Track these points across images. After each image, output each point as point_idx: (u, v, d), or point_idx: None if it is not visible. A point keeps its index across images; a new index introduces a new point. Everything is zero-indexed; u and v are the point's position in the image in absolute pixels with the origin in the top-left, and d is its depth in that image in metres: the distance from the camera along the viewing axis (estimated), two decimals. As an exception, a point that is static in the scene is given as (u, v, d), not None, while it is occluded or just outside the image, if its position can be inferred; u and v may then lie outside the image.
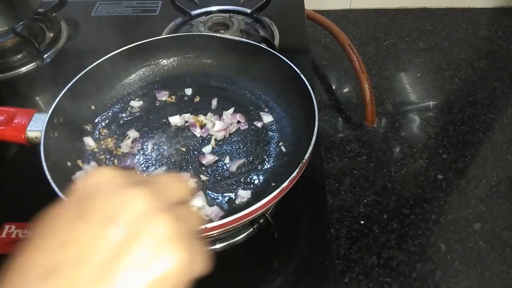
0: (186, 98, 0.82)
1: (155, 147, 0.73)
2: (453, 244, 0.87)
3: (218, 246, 0.69)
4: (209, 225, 0.53)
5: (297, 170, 0.59)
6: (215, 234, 0.57)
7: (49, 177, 0.57)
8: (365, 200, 0.91)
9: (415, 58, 1.24)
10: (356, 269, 0.82)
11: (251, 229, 0.71)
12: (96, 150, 0.72)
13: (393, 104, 1.12)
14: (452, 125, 1.07)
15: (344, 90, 1.16)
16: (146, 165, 0.70)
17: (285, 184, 0.58)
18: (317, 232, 0.72)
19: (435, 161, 0.99)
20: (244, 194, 0.66)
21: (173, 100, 0.81)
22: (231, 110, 0.78)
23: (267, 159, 0.72)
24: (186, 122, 0.77)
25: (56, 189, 0.56)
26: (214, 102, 0.80)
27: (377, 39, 1.30)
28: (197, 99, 0.81)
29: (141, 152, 0.72)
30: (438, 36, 1.32)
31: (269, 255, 0.70)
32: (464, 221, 0.90)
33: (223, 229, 0.56)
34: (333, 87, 1.17)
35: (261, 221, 0.69)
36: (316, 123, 0.65)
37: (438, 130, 1.06)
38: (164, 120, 0.78)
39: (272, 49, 0.78)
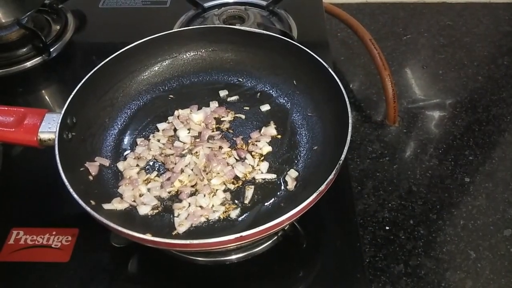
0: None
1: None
2: (482, 251, 0.83)
3: (236, 256, 0.65)
4: (244, 233, 0.49)
5: (333, 172, 0.55)
6: (247, 242, 0.53)
7: (66, 182, 0.53)
8: (389, 205, 0.87)
9: (436, 54, 1.20)
10: (382, 278, 0.78)
11: (275, 238, 0.67)
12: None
13: (415, 102, 1.08)
14: (477, 125, 1.03)
15: (363, 87, 1.12)
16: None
17: (322, 187, 0.53)
18: (345, 240, 0.68)
19: (461, 163, 0.95)
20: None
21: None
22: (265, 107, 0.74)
23: (296, 160, 0.67)
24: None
25: (75, 196, 0.52)
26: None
27: (395, 34, 1.26)
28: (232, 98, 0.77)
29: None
30: (458, 32, 1.27)
31: (292, 264, 0.66)
32: (494, 226, 0.86)
33: (258, 236, 0.52)
34: (351, 84, 1.13)
35: (286, 229, 0.64)
36: (350, 123, 0.60)
37: (463, 130, 1.01)
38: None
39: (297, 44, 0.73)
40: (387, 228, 0.84)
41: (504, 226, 0.87)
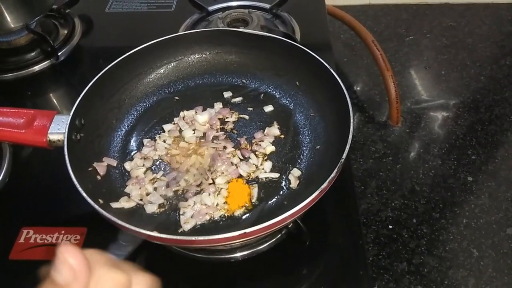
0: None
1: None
2: (485, 249, 0.83)
3: (241, 254, 0.66)
4: (248, 230, 0.50)
5: (335, 170, 0.56)
6: (251, 239, 0.54)
7: (75, 181, 0.54)
8: (392, 204, 0.88)
9: (438, 55, 1.21)
10: (386, 276, 0.79)
11: (279, 235, 0.68)
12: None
13: (418, 102, 1.08)
14: (480, 124, 1.03)
15: (366, 88, 1.13)
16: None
17: (324, 185, 0.54)
18: (348, 238, 0.69)
19: (464, 162, 0.96)
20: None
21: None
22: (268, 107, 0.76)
23: (298, 159, 0.68)
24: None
25: (84, 195, 0.53)
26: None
27: (398, 35, 1.26)
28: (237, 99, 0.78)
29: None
30: (461, 32, 1.28)
31: (296, 262, 0.67)
32: (496, 225, 0.87)
33: (261, 233, 0.53)
34: (354, 85, 1.14)
35: (290, 226, 0.65)
36: (352, 122, 0.61)
37: (465, 130, 1.02)
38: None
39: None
40: (390, 227, 0.85)
41: (507, 224, 0.87)
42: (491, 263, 0.82)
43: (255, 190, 0.65)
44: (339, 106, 0.66)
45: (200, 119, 0.74)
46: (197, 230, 0.61)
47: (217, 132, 0.72)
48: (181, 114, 0.75)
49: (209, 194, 0.64)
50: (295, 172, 0.67)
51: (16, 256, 0.65)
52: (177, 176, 0.66)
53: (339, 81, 0.66)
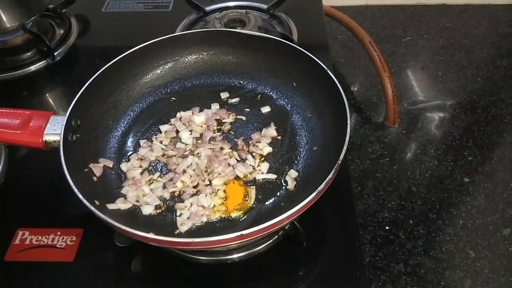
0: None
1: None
2: (482, 250, 0.84)
3: (237, 255, 0.65)
4: (245, 232, 0.50)
5: (332, 172, 0.56)
6: (248, 240, 0.54)
7: (71, 182, 0.54)
8: (389, 205, 0.88)
9: (435, 56, 1.21)
10: (382, 277, 0.79)
11: (276, 237, 0.68)
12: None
13: (414, 103, 1.08)
14: (476, 125, 1.04)
15: (363, 89, 1.13)
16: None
17: (322, 186, 0.54)
18: (345, 239, 0.69)
19: (461, 163, 0.96)
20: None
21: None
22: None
23: (296, 160, 0.68)
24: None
25: (80, 196, 0.53)
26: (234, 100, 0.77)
27: (395, 36, 1.27)
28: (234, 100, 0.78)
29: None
30: (458, 33, 1.28)
31: (292, 263, 0.67)
32: (493, 226, 0.87)
33: (258, 235, 0.53)
34: (352, 86, 1.14)
35: (287, 228, 0.65)
36: (349, 123, 0.61)
37: (462, 131, 1.02)
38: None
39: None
40: (387, 228, 0.85)
41: (503, 225, 0.87)
42: (487, 264, 0.82)
43: (252, 192, 0.65)
44: (336, 107, 0.65)
45: (197, 120, 0.73)
46: (194, 231, 0.60)
47: (214, 133, 0.72)
48: (178, 115, 0.75)
49: (206, 196, 0.63)
50: (292, 173, 0.66)
51: (12, 257, 0.64)
52: (174, 177, 0.66)
53: (336, 82, 0.66)
